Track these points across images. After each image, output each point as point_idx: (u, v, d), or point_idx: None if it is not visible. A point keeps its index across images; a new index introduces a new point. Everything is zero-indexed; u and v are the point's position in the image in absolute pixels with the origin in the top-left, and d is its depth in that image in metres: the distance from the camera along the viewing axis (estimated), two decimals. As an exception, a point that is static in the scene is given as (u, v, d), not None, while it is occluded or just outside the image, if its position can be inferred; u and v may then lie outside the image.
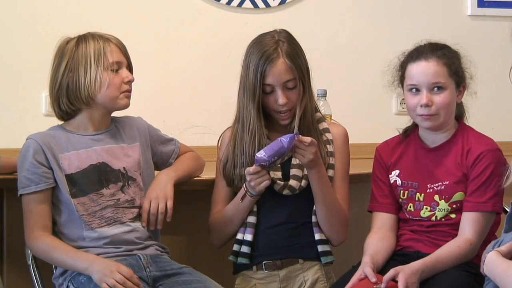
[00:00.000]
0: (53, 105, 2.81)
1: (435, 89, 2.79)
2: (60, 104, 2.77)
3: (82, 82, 2.73)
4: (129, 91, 2.81)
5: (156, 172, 2.94)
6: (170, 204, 2.83)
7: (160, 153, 2.97)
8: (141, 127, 2.93)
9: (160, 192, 2.83)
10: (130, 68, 2.84)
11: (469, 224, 2.75)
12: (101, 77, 2.74)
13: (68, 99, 2.76)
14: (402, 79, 2.86)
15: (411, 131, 2.93)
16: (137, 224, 2.82)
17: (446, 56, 2.82)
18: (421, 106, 2.78)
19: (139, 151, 2.88)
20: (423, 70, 2.79)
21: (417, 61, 2.81)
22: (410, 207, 2.86)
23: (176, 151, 3.00)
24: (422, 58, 2.80)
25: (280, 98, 2.84)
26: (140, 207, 2.83)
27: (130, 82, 2.81)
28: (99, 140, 2.82)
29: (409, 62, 2.82)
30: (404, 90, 2.85)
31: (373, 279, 2.66)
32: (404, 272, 2.63)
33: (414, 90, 2.80)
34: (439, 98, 2.79)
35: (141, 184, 2.85)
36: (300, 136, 2.76)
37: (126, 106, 2.83)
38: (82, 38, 2.77)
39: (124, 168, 2.82)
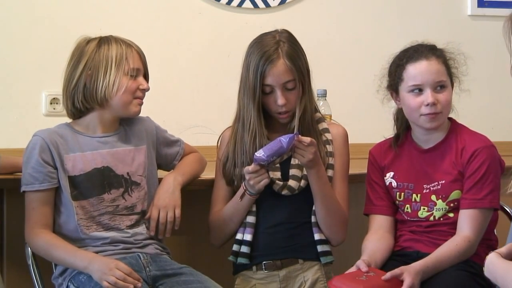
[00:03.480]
0: (66, 102, 2.81)
1: (438, 87, 2.79)
2: (75, 102, 2.78)
3: (100, 83, 2.75)
4: (142, 99, 2.83)
5: (159, 172, 2.95)
6: (178, 212, 2.84)
7: (165, 155, 2.97)
8: (149, 128, 2.93)
9: (169, 200, 2.83)
10: (146, 78, 2.86)
11: (466, 222, 2.76)
12: (119, 81, 2.76)
13: (84, 97, 2.77)
14: (397, 82, 2.84)
15: (403, 136, 2.92)
16: (135, 230, 2.82)
17: (443, 55, 2.83)
18: (427, 105, 2.77)
19: (145, 153, 2.88)
20: (426, 69, 2.78)
21: (418, 60, 2.80)
22: (407, 208, 2.86)
23: (181, 153, 3.00)
24: (423, 58, 2.80)
25: (279, 99, 2.84)
26: (141, 213, 2.84)
27: (144, 90, 2.82)
28: (106, 143, 2.82)
29: (409, 62, 2.81)
30: (402, 92, 2.82)
31: (365, 269, 2.65)
32: (409, 273, 2.62)
33: (416, 90, 2.79)
34: (443, 97, 2.79)
35: (145, 188, 2.85)
36: (299, 136, 2.76)
37: (137, 113, 2.84)
38: (105, 40, 2.79)
39: (127, 173, 2.82)
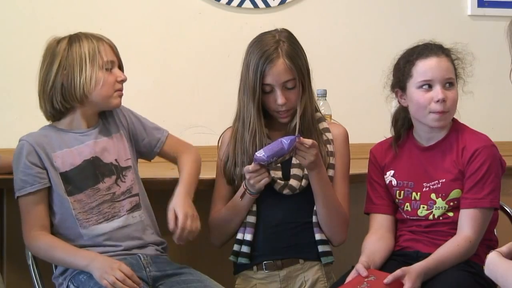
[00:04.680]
0: (44, 105, 2.81)
1: (447, 85, 2.79)
2: (54, 103, 2.78)
3: (77, 80, 2.75)
4: (122, 90, 2.83)
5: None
6: (199, 225, 2.79)
7: (143, 141, 2.94)
8: (121, 115, 2.91)
9: (194, 212, 2.78)
10: (121, 69, 2.86)
11: (467, 221, 2.75)
12: (96, 76, 2.76)
13: (62, 97, 2.77)
14: (406, 78, 2.83)
15: (404, 135, 2.92)
16: (135, 215, 2.81)
17: (451, 54, 2.84)
18: (437, 101, 2.77)
19: (124, 138, 2.88)
20: (437, 65, 2.78)
21: (428, 57, 2.79)
22: (407, 207, 2.86)
23: (163, 140, 2.97)
24: (433, 55, 2.80)
25: (279, 98, 2.84)
26: (138, 195, 2.83)
27: (122, 81, 2.82)
28: (89, 135, 2.82)
29: (419, 59, 2.80)
30: (411, 89, 2.81)
31: (364, 273, 2.66)
32: (410, 277, 2.61)
33: (426, 86, 2.79)
34: (451, 94, 2.79)
35: (137, 170, 2.86)
36: (301, 138, 2.76)
37: (118, 105, 2.85)
38: (75, 38, 2.79)
39: (116, 160, 2.83)
